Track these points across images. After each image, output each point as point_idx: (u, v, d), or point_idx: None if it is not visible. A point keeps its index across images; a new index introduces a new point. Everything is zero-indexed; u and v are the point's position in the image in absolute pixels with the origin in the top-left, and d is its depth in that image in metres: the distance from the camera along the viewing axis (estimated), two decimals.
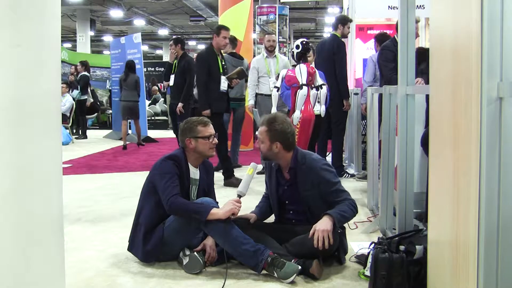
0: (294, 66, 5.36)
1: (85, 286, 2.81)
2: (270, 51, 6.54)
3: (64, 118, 9.92)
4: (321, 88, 5.22)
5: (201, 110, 5.71)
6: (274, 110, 5.33)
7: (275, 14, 12.34)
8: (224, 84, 5.70)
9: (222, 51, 6.08)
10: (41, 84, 1.93)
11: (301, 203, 3.19)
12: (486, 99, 1.64)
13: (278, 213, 3.32)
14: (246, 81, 6.66)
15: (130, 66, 9.38)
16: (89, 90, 11.78)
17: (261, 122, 3.23)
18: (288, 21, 13.19)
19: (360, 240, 3.53)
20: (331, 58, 5.89)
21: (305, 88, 5.00)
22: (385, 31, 6.83)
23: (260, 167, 3.31)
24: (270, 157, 3.20)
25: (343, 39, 6.19)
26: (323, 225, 2.91)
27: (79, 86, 11.20)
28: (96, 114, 13.40)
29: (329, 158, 6.35)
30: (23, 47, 1.83)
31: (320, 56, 5.99)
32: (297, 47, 5.16)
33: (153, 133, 10.98)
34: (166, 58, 22.17)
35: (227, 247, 2.92)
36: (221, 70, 5.77)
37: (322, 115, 5.35)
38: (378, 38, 6.16)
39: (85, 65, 11.55)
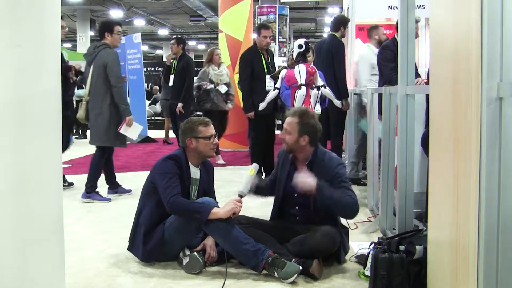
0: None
1: (85, 286, 2.81)
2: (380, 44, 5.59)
3: None
4: (320, 89, 5.21)
5: (245, 112, 5.65)
6: (264, 105, 5.32)
7: (275, 14, 12.35)
8: (270, 83, 5.55)
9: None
10: (41, 84, 1.93)
11: (308, 198, 3.13)
12: (486, 99, 1.64)
13: (280, 206, 3.28)
14: None
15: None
16: None
17: (291, 113, 3.18)
18: (288, 21, 13.20)
19: (360, 240, 3.53)
20: (330, 59, 5.88)
21: (303, 88, 4.99)
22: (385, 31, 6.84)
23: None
24: (295, 149, 3.16)
25: (342, 41, 6.19)
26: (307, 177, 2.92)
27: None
28: None
29: None
30: (23, 47, 1.83)
31: (319, 56, 5.98)
32: (300, 46, 5.12)
33: (153, 133, 10.97)
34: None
35: (227, 247, 2.92)
36: (266, 69, 5.66)
37: (340, 107, 5.41)
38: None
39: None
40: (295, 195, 3.20)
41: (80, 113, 5.01)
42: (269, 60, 5.81)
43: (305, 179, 2.95)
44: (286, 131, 3.15)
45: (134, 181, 5.96)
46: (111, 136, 4.90)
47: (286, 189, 3.23)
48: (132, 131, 4.99)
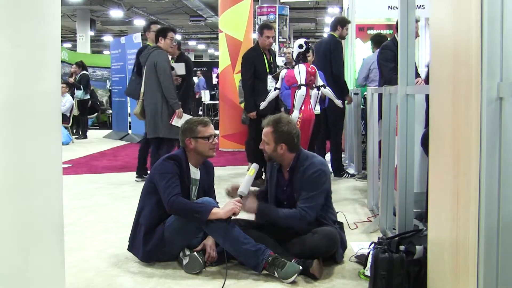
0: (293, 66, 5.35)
1: (85, 286, 2.80)
2: None
3: (64, 118, 9.92)
4: (320, 89, 5.20)
5: (248, 112, 5.65)
6: (264, 104, 5.31)
7: (275, 14, 12.35)
8: (271, 83, 5.54)
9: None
10: (41, 84, 1.93)
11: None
12: (486, 99, 1.64)
13: None
14: None
15: None
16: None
17: (266, 123, 3.18)
18: (288, 21, 13.20)
19: (360, 240, 3.53)
20: (328, 58, 5.91)
21: (303, 88, 4.99)
22: (382, 31, 6.86)
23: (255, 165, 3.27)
24: (275, 158, 3.18)
25: (340, 40, 6.22)
26: (249, 202, 3.05)
27: (82, 86, 11.23)
28: (96, 114, 13.41)
29: (328, 158, 6.35)
30: (23, 47, 1.83)
31: (317, 56, 6.00)
32: (300, 46, 5.11)
33: None
34: None
35: (227, 247, 2.92)
36: (268, 69, 5.66)
37: (341, 106, 5.41)
38: (374, 39, 6.19)
39: (81, 65, 11.56)
40: (285, 203, 3.21)
41: (136, 109, 5.51)
42: (271, 60, 5.80)
43: (248, 206, 3.06)
44: (264, 141, 3.16)
45: (134, 181, 5.97)
46: (165, 128, 5.32)
47: (277, 197, 3.25)
48: (182, 122, 5.29)
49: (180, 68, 5.92)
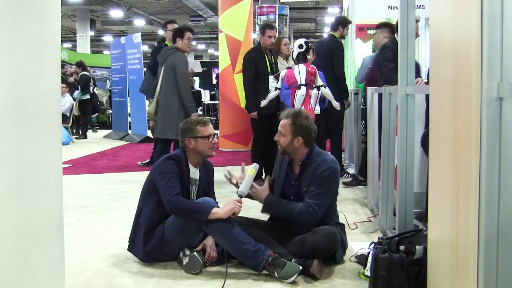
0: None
1: (85, 286, 2.81)
2: None
3: (64, 118, 9.92)
4: (320, 89, 5.20)
5: (249, 112, 5.66)
6: (265, 103, 5.31)
7: (275, 14, 12.35)
8: (273, 83, 5.53)
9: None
10: (41, 84, 1.93)
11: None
12: (486, 99, 1.64)
13: None
14: None
15: None
16: (91, 89, 11.82)
17: (285, 115, 3.19)
18: (288, 21, 13.20)
19: (360, 240, 3.53)
20: (329, 59, 5.90)
21: (303, 88, 4.99)
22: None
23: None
24: (289, 151, 3.17)
25: (340, 40, 6.21)
26: (258, 191, 3.12)
27: (79, 86, 11.24)
28: (96, 114, 13.41)
29: None
30: (23, 47, 1.83)
31: (317, 56, 5.99)
32: (300, 46, 5.11)
33: None
34: None
35: (227, 247, 2.92)
36: (269, 69, 5.65)
37: (338, 109, 5.42)
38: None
39: (81, 65, 11.56)
40: (291, 197, 3.21)
41: (150, 108, 5.56)
42: (273, 60, 5.80)
43: (257, 194, 3.13)
44: (280, 133, 3.17)
45: (134, 181, 5.97)
46: (176, 130, 5.29)
47: (283, 192, 3.24)
48: None
49: (196, 66, 5.91)
